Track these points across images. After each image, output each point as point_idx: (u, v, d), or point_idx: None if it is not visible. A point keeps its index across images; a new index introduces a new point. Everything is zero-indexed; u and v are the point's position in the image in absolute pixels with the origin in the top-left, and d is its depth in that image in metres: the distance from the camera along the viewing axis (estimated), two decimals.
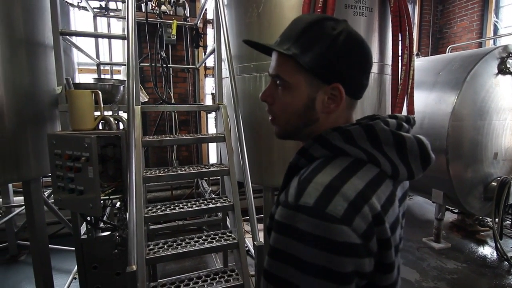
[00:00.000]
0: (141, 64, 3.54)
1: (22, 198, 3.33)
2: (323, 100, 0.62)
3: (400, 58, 2.50)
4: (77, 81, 2.76)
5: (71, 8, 2.98)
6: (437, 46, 5.93)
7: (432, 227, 3.69)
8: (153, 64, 3.31)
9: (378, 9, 2.42)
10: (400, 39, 2.46)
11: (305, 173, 0.57)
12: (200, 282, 1.76)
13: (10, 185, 3.28)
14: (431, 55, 5.59)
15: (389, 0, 2.41)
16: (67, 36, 2.11)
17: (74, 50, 2.76)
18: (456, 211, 4.10)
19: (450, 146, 3.14)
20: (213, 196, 2.51)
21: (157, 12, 3.31)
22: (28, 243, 3.26)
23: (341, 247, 0.49)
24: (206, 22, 3.77)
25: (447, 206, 3.64)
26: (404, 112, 2.64)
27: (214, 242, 1.85)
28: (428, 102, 3.44)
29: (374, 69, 2.49)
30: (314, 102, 0.63)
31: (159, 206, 1.95)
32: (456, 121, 3.14)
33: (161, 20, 3.45)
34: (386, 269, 0.56)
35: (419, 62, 3.88)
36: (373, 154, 0.59)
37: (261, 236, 1.86)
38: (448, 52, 4.97)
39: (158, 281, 1.86)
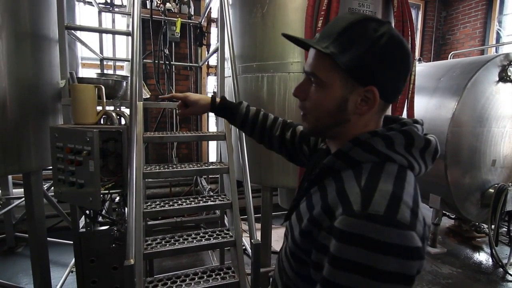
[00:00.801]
0: (144, 60, 3.55)
1: (20, 190, 3.35)
2: (356, 101, 0.62)
3: None
4: (80, 75, 2.77)
5: (76, 3, 3.00)
6: (439, 52, 5.95)
7: (428, 232, 3.71)
8: (156, 61, 3.32)
9: (382, 13, 2.43)
10: None
11: (364, 181, 0.58)
12: (196, 279, 1.78)
13: (10, 177, 3.29)
14: (433, 61, 5.61)
15: (392, 5, 2.43)
16: (72, 31, 2.12)
17: (78, 45, 2.77)
18: (453, 216, 4.12)
19: (449, 152, 3.15)
20: (212, 194, 2.52)
21: (162, 9, 3.33)
22: (26, 235, 3.27)
23: (413, 252, 0.51)
24: (210, 21, 3.79)
25: (444, 212, 3.66)
26: (404, 116, 2.66)
27: (212, 239, 1.86)
28: (429, 108, 3.45)
29: None
30: (346, 103, 0.63)
31: (158, 202, 1.96)
32: (455, 127, 3.16)
33: (166, 18, 3.47)
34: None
35: (420, 68, 3.90)
36: (410, 160, 0.62)
37: (258, 235, 1.88)
38: (450, 58, 4.99)
39: (155, 276, 1.87)
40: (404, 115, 2.65)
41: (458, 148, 3.19)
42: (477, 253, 3.58)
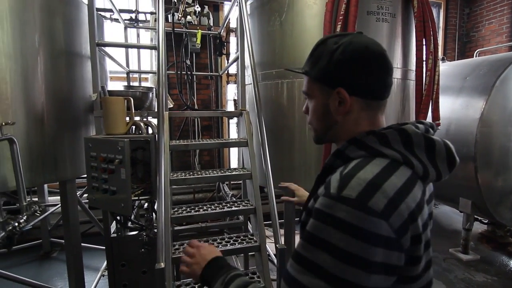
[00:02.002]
0: (167, 72, 3.69)
1: (55, 197, 3.56)
2: (335, 104, 0.71)
3: (424, 63, 2.47)
4: (108, 88, 2.93)
5: (104, 20, 3.19)
6: (464, 50, 5.74)
7: (459, 238, 3.54)
8: (178, 72, 3.44)
9: (401, 15, 2.41)
10: (424, 44, 2.43)
11: (347, 169, 0.62)
12: None
13: (46, 186, 3.50)
14: (457, 60, 5.42)
15: (412, 5, 2.40)
16: (102, 47, 2.26)
17: (106, 59, 2.94)
18: (486, 221, 3.92)
19: (478, 153, 3.03)
20: (235, 199, 2.56)
21: (183, 22, 3.46)
22: (60, 240, 3.45)
23: (375, 238, 0.53)
24: (229, 31, 3.89)
25: (475, 216, 3.49)
26: (429, 118, 2.59)
27: (237, 244, 1.89)
28: (455, 108, 3.34)
29: (397, 74, 2.47)
30: (328, 107, 0.73)
31: (184, 208, 2.03)
32: (484, 127, 3.03)
33: (187, 30, 3.60)
34: (414, 262, 0.60)
35: (444, 67, 3.79)
36: (407, 156, 0.63)
37: (282, 240, 1.89)
38: (476, 56, 4.80)
39: (182, 280, 1.92)
40: (429, 116, 2.59)
41: (488, 149, 3.06)
42: None
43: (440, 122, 2.70)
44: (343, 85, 0.69)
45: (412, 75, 2.55)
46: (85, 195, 3.19)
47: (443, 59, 4.26)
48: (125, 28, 3.46)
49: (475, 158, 3.03)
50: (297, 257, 0.59)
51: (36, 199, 3.43)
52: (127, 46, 3.31)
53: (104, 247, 2.29)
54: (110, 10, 3.31)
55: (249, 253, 2.53)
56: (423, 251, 0.61)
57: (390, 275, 0.57)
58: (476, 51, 4.96)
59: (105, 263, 2.57)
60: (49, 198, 3.58)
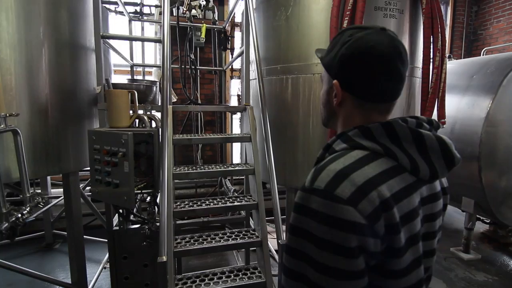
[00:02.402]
0: (171, 66, 3.67)
1: (58, 190, 3.57)
2: (332, 94, 0.73)
3: (431, 60, 2.44)
4: (112, 81, 2.92)
5: (108, 13, 3.17)
6: (471, 48, 5.67)
7: (460, 237, 3.53)
8: (182, 66, 3.43)
9: (409, 11, 2.37)
10: (431, 41, 2.40)
11: (321, 163, 0.65)
12: (224, 277, 1.81)
13: (49, 178, 3.52)
14: (464, 58, 5.37)
15: (421, 1, 2.36)
16: (107, 39, 2.25)
17: (111, 52, 2.93)
18: (488, 221, 3.90)
19: (483, 153, 3.00)
20: (237, 194, 2.56)
21: (188, 16, 3.43)
22: (63, 232, 3.48)
23: (346, 224, 0.55)
24: (234, 25, 3.86)
25: (478, 216, 3.48)
26: (435, 116, 2.57)
27: (239, 239, 1.89)
28: (460, 107, 3.31)
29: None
30: (330, 96, 0.74)
31: (186, 202, 2.03)
32: (490, 126, 3.00)
33: (191, 24, 3.57)
34: (394, 254, 0.60)
35: (451, 65, 3.74)
36: (391, 148, 0.64)
37: (285, 236, 1.89)
38: (483, 54, 4.74)
39: (183, 274, 1.93)
40: (435, 114, 2.57)
41: (493, 148, 3.03)
42: None
43: (446, 120, 2.68)
44: (338, 78, 0.71)
45: (419, 73, 2.52)
46: (88, 187, 3.20)
47: (449, 57, 4.21)
48: (130, 21, 3.44)
49: (480, 157, 3.01)
50: (287, 249, 0.63)
51: (39, 191, 3.44)
52: (131, 39, 3.29)
53: (106, 240, 2.31)
54: (115, 3, 3.30)
55: (251, 249, 2.53)
56: (408, 245, 0.61)
57: (370, 258, 0.58)
58: (484, 50, 4.91)
59: (107, 255, 2.59)
60: (52, 190, 3.60)
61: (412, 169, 0.63)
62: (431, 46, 2.41)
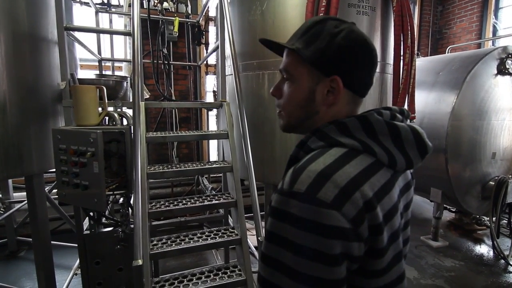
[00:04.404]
0: (142, 60, 3.53)
1: (21, 194, 3.33)
2: (323, 92, 0.66)
3: (402, 57, 2.52)
4: (79, 77, 2.75)
5: (73, 4, 2.97)
6: (437, 46, 5.96)
7: (430, 226, 3.73)
8: (155, 61, 3.30)
9: (381, 8, 2.43)
10: (402, 38, 2.48)
11: (300, 163, 0.60)
12: (203, 278, 1.78)
13: (10, 181, 3.27)
14: (430, 55, 5.63)
15: (391, 0, 2.43)
16: (71, 32, 2.10)
17: (76, 46, 2.75)
18: (454, 210, 4.15)
19: (449, 146, 3.17)
20: (215, 193, 2.52)
21: (159, 8, 3.30)
22: (28, 239, 3.25)
23: (330, 230, 0.52)
24: (208, 19, 3.77)
25: (445, 205, 3.68)
26: None
27: (217, 238, 1.86)
28: (428, 102, 3.47)
29: (376, 68, 2.50)
30: (314, 94, 0.67)
31: (162, 202, 1.96)
32: (455, 120, 3.17)
33: (163, 17, 3.45)
34: (377, 254, 0.58)
35: (419, 62, 3.91)
36: (369, 144, 0.61)
37: (264, 233, 1.88)
38: (448, 52, 5.00)
39: (161, 276, 1.87)
40: None
41: (458, 141, 3.21)
42: (479, 246, 3.61)
43: (415, 115, 2.79)
44: (339, 74, 0.64)
45: (390, 69, 2.60)
46: (54, 190, 3.01)
47: (417, 55, 4.40)
48: (96, 12, 3.25)
49: (446, 150, 3.17)
50: (263, 258, 0.58)
51: (0, 195, 3.20)
52: (98, 32, 3.11)
53: (76, 245, 2.18)
54: None
55: (230, 247, 2.51)
56: (389, 243, 0.59)
57: (352, 263, 0.56)
58: (448, 48, 5.17)
59: (78, 261, 2.45)
60: (14, 194, 3.35)
61: (390, 163, 0.62)
62: (402, 43, 2.49)
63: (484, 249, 3.52)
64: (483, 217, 3.78)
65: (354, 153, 0.60)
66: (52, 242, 2.36)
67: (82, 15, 3.55)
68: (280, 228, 0.55)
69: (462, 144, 3.23)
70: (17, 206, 3.14)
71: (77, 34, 2.31)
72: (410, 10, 2.55)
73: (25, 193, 2.56)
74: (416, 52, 2.78)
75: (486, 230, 3.82)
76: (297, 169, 0.58)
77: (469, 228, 3.99)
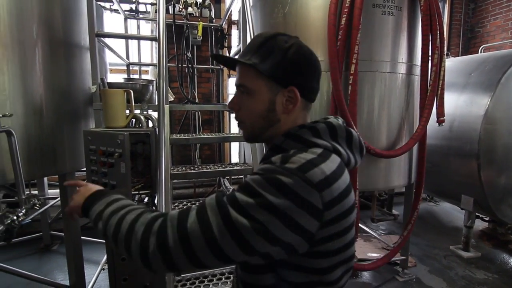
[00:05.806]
0: (168, 64, 3.64)
1: (55, 190, 3.54)
2: (282, 102, 0.73)
3: (430, 58, 2.42)
4: (108, 81, 2.89)
5: (103, 11, 3.13)
6: (468, 46, 5.67)
7: (460, 235, 3.54)
8: (179, 65, 3.39)
9: (408, 8, 2.36)
10: (430, 38, 2.38)
11: (287, 153, 0.67)
12: (223, 279, 1.80)
13: (45, 179, 3.48)
14: (461, 56, 5.37)
15: None
16: (102, 38, 2.21)
17: (106, 51, 2.89)
18: (487, 219, 3.91)
19: (482, 151, 3.00)
20: None
21: (184, 14, 3.39)
22: (60, 233, 3.44)
23: (307, 204, 0.59)
24: (231, 23, 3.83)
25: (477, 214, 3.48)
26: (433, 114, 2.56)
27: None
28: (458, 104, 3.30)
29: (402, 69, 2.42)
30: (274, 105, 0.73)
31: (184, 202, 2.01)
32: (489, 124, 3.00)
33: (188, 22, 3.54)
34: (342, 233, 0.67)
35: (448, 63, 3.74)
36: (335, 145, 0.72)
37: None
38: (480, 52, 4.74)
39: (182, 275, 1.91)
40: (434, 112, 2.55)
41: (492, 146, 3.03)
42: None
43: (444, 118, 2.67)
44: (295, 85, 0.72)
45: (417, 70, 2.50)
46: None
47: (447, 55, 4.20)
48: (125, 19, 3.40)
49: (479, 155, 3.00)
50: (233, 201, 0.61)
51: (36, 192, 3.42)
52: (127, 37, 3.25)
53: (104, 241, 2.28)
54: (110, 0, 3.26)
55: None
56: (349, 228, 0.70)
57: (305, 240, 0.61)
58: (481, 47, 4.90)
59: (105, 256, 2.56)
60: (49, 191, 3.56)
61: (347, 162, 0.74)
62: (430, 44, 2.40)
63: None
64: None
65: (328, 153, 0.69)
66: (82, 237, 2.48)
67: (111, 22, 3.73)
68: (261, 183, 0.60)
69: (496, 149, 3.04)
70: (52, 202, 3.33)
71: (107, 40, 2.44)
72: (439, 8, 2.45)
73: (58, 190, 2.72)
74: (445, 52, 2.66)
75: None
76: (287, 155, 0.65)
77: (504, 238, 3.73)
